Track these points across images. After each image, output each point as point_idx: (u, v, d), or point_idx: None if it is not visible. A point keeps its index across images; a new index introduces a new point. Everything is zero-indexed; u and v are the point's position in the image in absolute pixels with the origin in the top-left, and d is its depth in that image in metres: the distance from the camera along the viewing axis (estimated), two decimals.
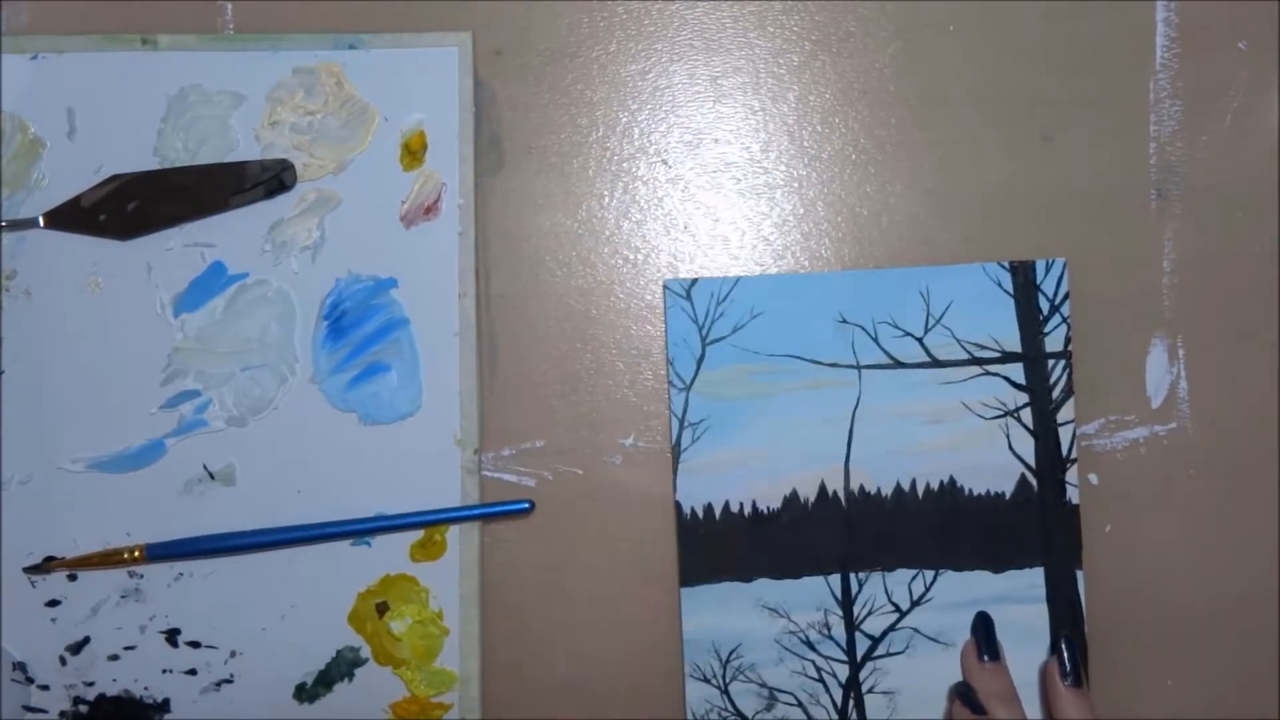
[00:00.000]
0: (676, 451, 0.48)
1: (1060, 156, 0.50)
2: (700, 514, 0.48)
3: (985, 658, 0.46)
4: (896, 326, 0.48)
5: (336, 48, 0.49)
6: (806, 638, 0.47)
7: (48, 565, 0.47)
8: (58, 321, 0.48)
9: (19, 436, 0.48)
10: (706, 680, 0.47)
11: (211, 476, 0.48)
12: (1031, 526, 0.47)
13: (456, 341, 0.48)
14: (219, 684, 0.47)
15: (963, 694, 0.46)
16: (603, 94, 0.51)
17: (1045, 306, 0.48)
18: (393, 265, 0.48)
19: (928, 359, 0.48)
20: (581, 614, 0.49)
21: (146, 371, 0.48)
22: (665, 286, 0.48)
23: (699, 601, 0.47)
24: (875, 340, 0.48)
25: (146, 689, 0.47)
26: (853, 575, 0.48)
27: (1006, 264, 0.48)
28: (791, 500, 0.48)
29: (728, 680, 0.47)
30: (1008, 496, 0.48)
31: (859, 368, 0.48)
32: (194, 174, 0.48)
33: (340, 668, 0.47)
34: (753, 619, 0.47)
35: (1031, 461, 0.48)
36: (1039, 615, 0.47)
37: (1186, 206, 0.50)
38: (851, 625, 0.47)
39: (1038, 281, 0.48)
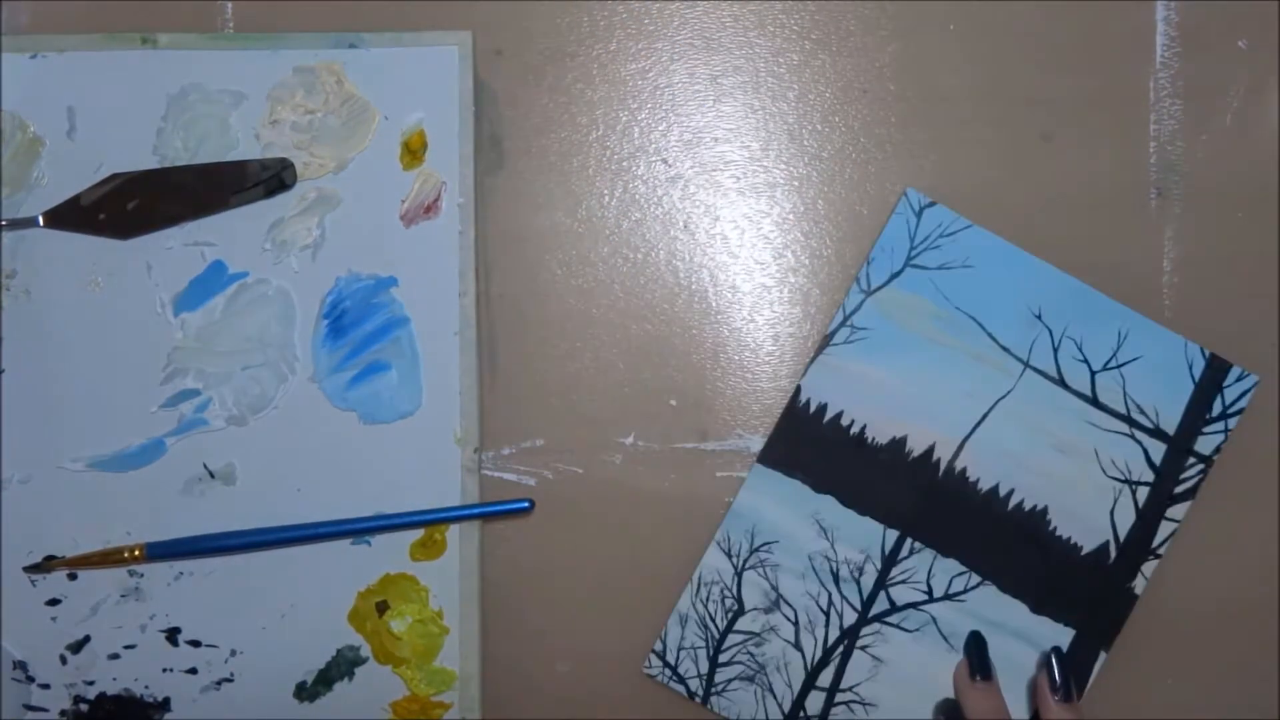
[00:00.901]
0: (825, 343, 0.48)
1: (1060, 156, 0.50)
2: (812, 408, 0.48)
3: (977, 677, 0.46)
4: (1080, 349, 0.48)
5: (337, 47, 0.49)
6: (837, 570, 0.47)
7: (48, 564, 0.47)
8: (58, 321, 0.48)
9: (19, 436, 0.48)
10: (728, 555, 0.47)
11: (212, 475, 0.48)
12: (1087, 591, 0.47)
13: (456, 341, 0.48)
14: (219, 683, 0.47)
15: (948, 715, 0.46)
16: (603, 93, 0.51)
17: (1218, 409, 0.48)
18: (393, 264, 0.48)
19: (1090, 393, 0.48)
20: (581, 614, 0.49)
21: (146, 371, 0.48)
22: (905, 193, 0.48)
23: (763, 483, 0.47)
24: (1055, 350, 0.48)
25: (147, 688, 0.47)
26: (909, 540, 0.48)
27: (1207, 353, 0.48)
28: (898, 444, 0.48)
29: (746, 565, 0.47)
30: (1083, 553, 0.48)
31: (1027, 365, 0.48)
32: (194, 173, 0.48)
33: (340, 667, 0.47)
34: (801, 527, 0.47)
35: (1122, 536, 0.48)
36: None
37: (1186, 206, 0.50)
38: (882, 583, 0.47)
39: (1224, 384, 0.48)
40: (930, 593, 0.47)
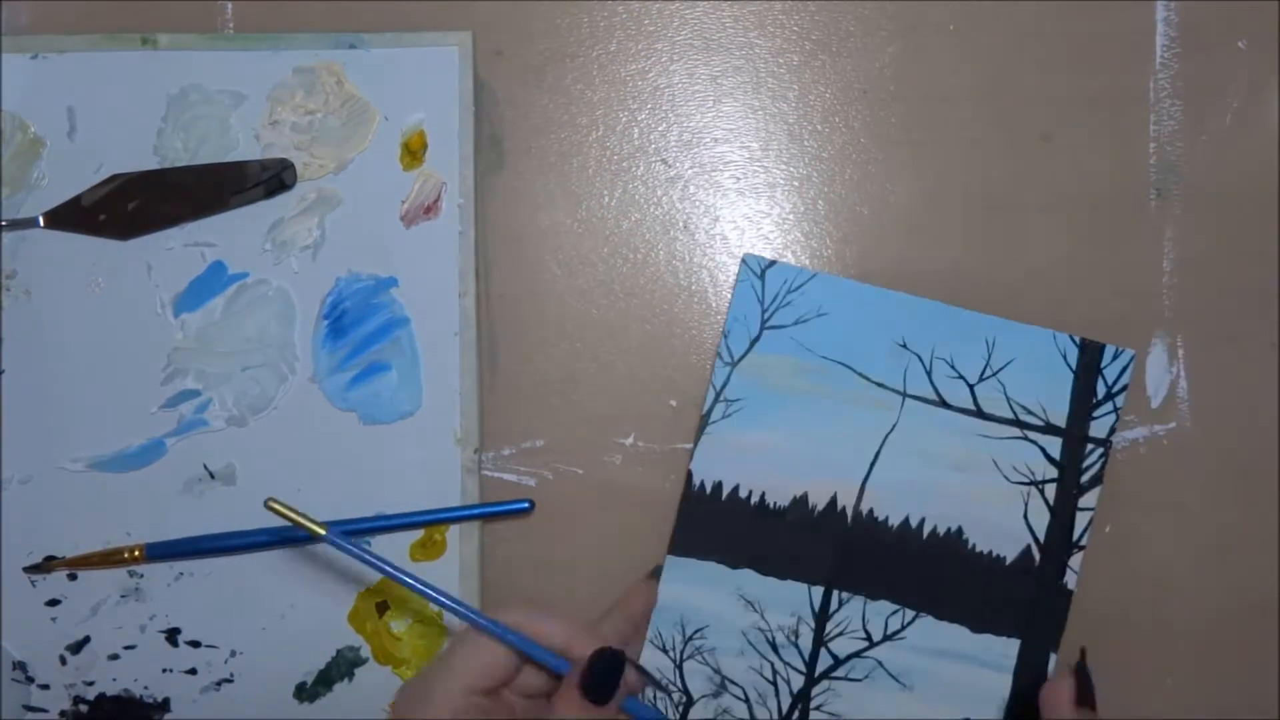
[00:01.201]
0: (704, 423, 0.48)
1: (1060, 156, 0.50)
2: (708, 489, 0.48)
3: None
4: (953, 367, 0.48)
5: (337, 47, 0.49)
6: (773, 639, 0.47)
7: (48, 565, 0.47)
8: (58, 321, 0.48)
9: (19, 436, 0.48)
10: (664, 650, 0.47)
11: (212, 476, 0.48)
12: (1021, 598, 0.47)
13: (456, 341, 0.48)
14: (219, 683, 0.47)
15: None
16: (603, 94, 0.51)
17: (1101, 391, 0.48)
18: (393, 264, 0.48)
19: (973, 407, 0.48)
20: (581, 614, 0.49)
21: (146, 371, 0.48)
22: (743, 260, 0.48)
23: (680, 573, 0.47)
24: (928, 374, 0.48)
25: (146, 688, 0.47)
26: (836, 592, 0.47)
27: (1077, 340, 0.48)
28: (800, 502, 0.48)
29: (684, 656, 0.47)
30: (1008, 562, 0.47)
31: (905, 395, 0.48)
32: (194, 174, 0.48)
33: (340, 667, 0.47)
34: (727, 606, 0.47)
35: (1041, 536, 0.47)
36: (1002, 684, 0.47)
37: (1186, 206, 0.50)
38: (820, 640, 0.47)
39: (1102, 365, 0.48)
40: (870, 638, 0.47)
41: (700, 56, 0.51)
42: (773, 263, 0.48)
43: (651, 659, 0.47)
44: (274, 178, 0.48)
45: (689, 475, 0.48)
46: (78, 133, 0.48)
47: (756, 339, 0.48)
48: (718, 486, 0.48)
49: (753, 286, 0.48)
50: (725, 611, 0.47)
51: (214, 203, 0.48)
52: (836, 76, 0.51)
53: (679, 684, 0.47)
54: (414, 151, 0.49)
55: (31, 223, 0.48)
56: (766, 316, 0.48)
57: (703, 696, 0.47)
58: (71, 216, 0.48)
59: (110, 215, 0.48)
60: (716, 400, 0.48)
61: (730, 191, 0.50)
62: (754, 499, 0.48)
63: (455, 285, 0.48)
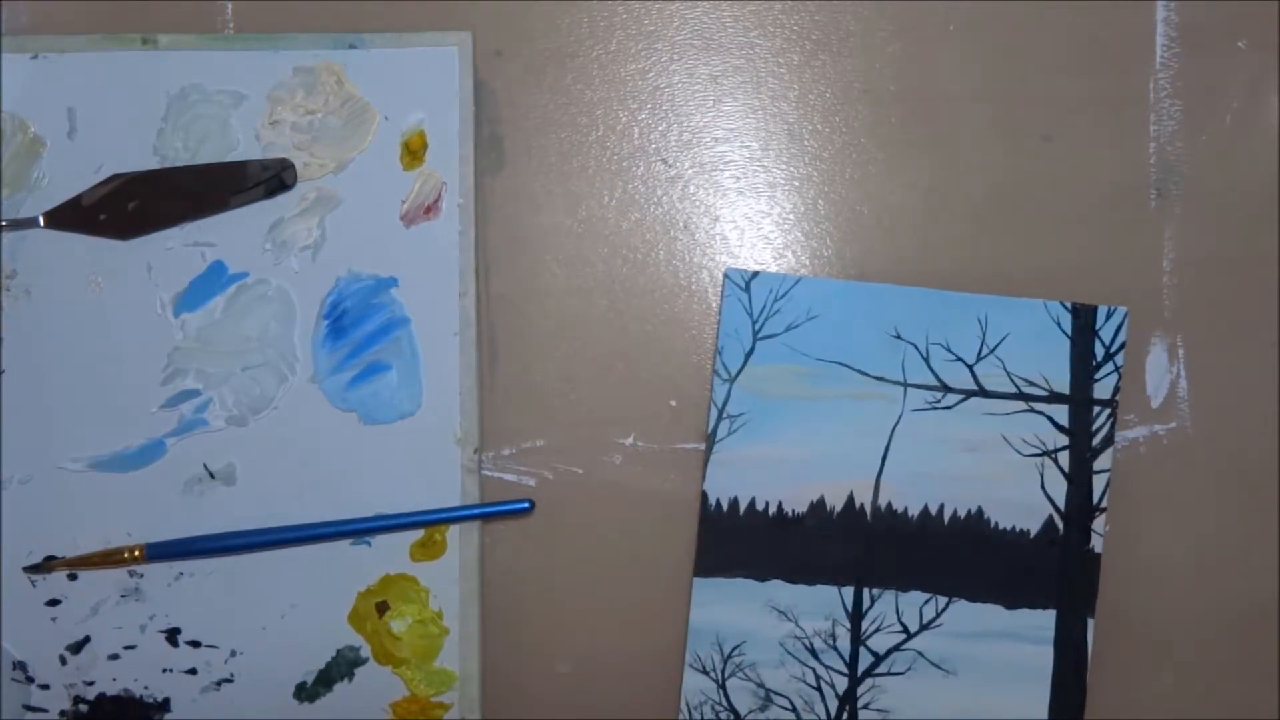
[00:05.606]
0: (711, 442, 0.48)
1: (1060, 156, 0.50)
2: (725, 507, 0.48)
3: None
4: (949, 350, 0.48)
5: (337, 47, 0.49)
6: (811, 645, 0.47)
7: (48, 565, 0.47)
8: (58, 321, 0.48)
9: (19, 436, 0.48)
10: (705, 672, 0.47)
11: (212, 476, 0.48)
12: (1051, 569, 0.47)
13: (456, 341, 0.48)
14: (219, 683, 0.47)
15: None
16: (603, 94, 0.51)
17: (1100, 353, 0.48)
18: (393, 264, 0.48)
19: (975, 387, 0.48)
20: (581, 614, 0.49)
21: (146, 371, 0.48)
22: (726, 275, 0.48)
23: (710, 593, 0.47)
24: (926, 360, 0.48)
25: (146, 688, 0.47)
26: (866, 590, 0.48)
27: (1069, 305, 0.48)
28: (818, 506, 0.48)
29: (726, 675, 0.47)
30: (1032, 535, 0.48)
31: (905, 385, 0.48)
32: (194, 173, 0.48)
33: (340, 667, 0.47)
34: (761, 619, 0.47)
35: (1061, 504, 0.48)
36: (1044, 657, 0.47)
37: (1186, 206, 0.50)
38: (857, 639, 0.47)
39: (1096, 327, 0.48)
40: (907, 630, 0.47)
41: (700, 56, 0.51)
42: (756, 274, 0.48)
43: (693, 682, 0.47)
44: (274, 178, 0.48)
45: (703, 495, 0.48)
46: (78, 133, 0.48)
47: (751, 351, 0.48)
48: (734, 503, 0.48)
49: (739, 300, 0.48)
50: (760, 625, 0.47)
51: (214, 203, 0.48)
52: (836, 76, 0.51)
53: (725, 703, 0.47)
54: (414, 151, 0.49)
55: (31, 223, 0.48)
56: (757, 328, 0.48)
57: (750, 712, 0.47)
58: (71, 216, 0.48)
59: (110, 215, 0.48)
60: (720, 417, 0.48)
61: (730, 191, 0.50)
62: (771, 510, 0.48)
63: (455, 285, 0.48)
